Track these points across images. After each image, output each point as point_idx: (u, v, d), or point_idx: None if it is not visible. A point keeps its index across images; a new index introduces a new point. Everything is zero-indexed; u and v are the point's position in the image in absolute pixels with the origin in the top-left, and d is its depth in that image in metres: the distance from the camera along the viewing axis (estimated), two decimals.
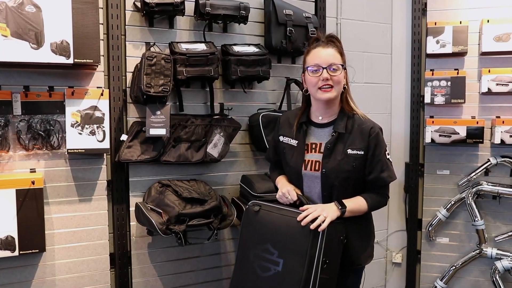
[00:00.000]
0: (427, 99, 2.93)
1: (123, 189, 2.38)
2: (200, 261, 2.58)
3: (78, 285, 2.32)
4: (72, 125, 2.18)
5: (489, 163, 2.88)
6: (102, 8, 2.25)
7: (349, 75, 1.87)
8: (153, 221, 2.13)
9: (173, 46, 2.34)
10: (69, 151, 2.17)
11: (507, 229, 2.90)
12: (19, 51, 1.97)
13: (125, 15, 2.34)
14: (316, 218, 1.64)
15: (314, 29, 2.64)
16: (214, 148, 2.45)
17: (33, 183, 2.09)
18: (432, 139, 2.89)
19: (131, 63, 2.34)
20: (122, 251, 2.39)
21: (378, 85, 3.14)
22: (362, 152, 1.76)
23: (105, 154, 2.33)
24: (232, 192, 2.63)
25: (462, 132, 2.84)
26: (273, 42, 2.59)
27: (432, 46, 2.91)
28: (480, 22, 2.87)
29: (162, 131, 2.27)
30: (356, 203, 1.77)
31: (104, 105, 2.24)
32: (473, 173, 2.91)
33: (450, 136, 2.86)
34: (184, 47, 2.33)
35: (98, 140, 2.22)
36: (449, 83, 2.88)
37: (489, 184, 2.85)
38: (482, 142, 2.84)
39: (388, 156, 1.82)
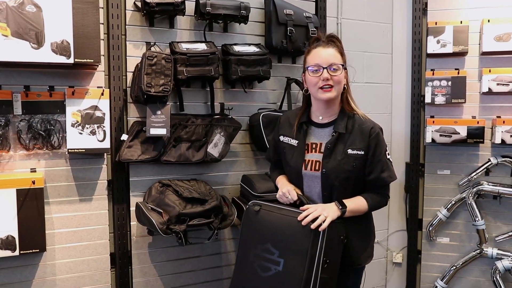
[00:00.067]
0: (427, 99, 2.93)
1: (123, 189, 2.38)
2: (200, 261, 2.58)
3: (79, 284, 2.32)
4: (73, 125, 2.18)
5: (489, 163, 2.88)
6: (102, 7, 2.26)
7: (350, 75, 1.87)
8: (153, 221, 2.13)
9: (173, 46, 2.34)
10: (69, 150, 2.17)
11: (508, 229, 2.90)
12: (20, 51, 1.97)
13: (125, 14, 2.34)
14: (316, 218, 1.63)
15: (314, 29, 2.64)
16: (214, 148, 2.45)
17: (33, 182, 2.09)
18: (432, 139, 2.89)
19: (132, 63, 2.34)
20: (122, 250, 2.39)
21: (378, 85, 3.14)
22: (362, 152, 1.76)
23: (105, 154, 2.33)
24: (233, 192, 2.63)
25: (462, 132, 2.84)
26: (273, 42, 2.59)
27: (432, 46, 2.90)
28: (480, 22, 2.86)
29: (162, 131, 2.27)
30: (356, 203, 1.77)
31: (104, 105, 2.24)
32: (474, 173, 2.91)
33: (451, 136, 2.86)
34: (184, 47, 2.33)
35: (98, 140, 2.23)
36: (449, 83, 2.88)
37: (489, 184, 2.85)
38: (482, 142, 2.84)
39: (388, 156, 1.82)
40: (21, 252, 2.09)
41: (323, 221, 1.63)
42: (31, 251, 2.11)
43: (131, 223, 2.40)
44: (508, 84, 2.78)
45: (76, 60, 2.07)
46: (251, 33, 2.65)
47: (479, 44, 2.88)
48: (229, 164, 2.62)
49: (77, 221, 2.29)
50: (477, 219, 2.85)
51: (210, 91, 2.50)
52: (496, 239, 2.90)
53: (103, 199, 2.34)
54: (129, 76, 2.35)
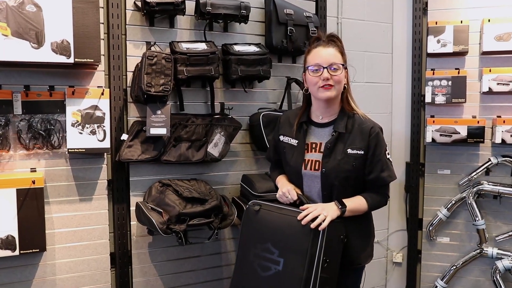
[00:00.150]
0: (428, 99, 2.93)
1: (123, 189, 2.38)
2: (200, 261, 2.58)
3: (79, 284, 2.32)
4: (73, 125, 2.18)
5: (490, 162, 2.88)
6: (102, 7, 2.26)
7: (350, 74, 1.87)
8: (153, 221, 2.13)
9: (173, 45, 2.34)
10: (69, 150, 2.17)
11: (508, 229, 2.89)
12: (20, 51, 1.97)
13: (125, 14, 2.34)
14: (316, 217, 1.63)
15: (314, 29, 2.64)
16: (214, 147, 2.45)
17: (33, 182, 2.09)
18: (433, 139, 2.89)
19: (132, 63, 2.34)
20: (122, 250, 2.39)
21: (378, 84, 3.14)
22: (362, 152, 1.76)
23: (105, 154, 2.33)
24: (233, 191, 2.63)
25: (463, 131, 2.84)
26: (273, 42, 2.59)
27: (433, 45, 2.90)
28: (481, 21, 2.86)
29: (162, 131, 2.27)
30: (356, 203, 1.77)
31: (104, 105, 2.24)
32: (474, 173, 2.91)
33: (451, 136, 2.86)
34: (184, 46, 2.33)
35: (98, 140, 2.23)
36: (450, 82, 2.88)
37: (490, 183, 2.85)
38: (483, 142, 2.83)
39: (388, 156, 1.82)
40: (21, 252, 2.09)
41: (323, 221, 1.62)
42: (31, 250, 2.11)
43: (131, 222, 2.40)
44: (509, 84, 2.78)
45: (76, 59, 2.07)
46: (251, 33, 2.65)
47: (480, 43, 2.88)
48: (229, 164, 2.62)
49: (77, 221, 2.30)
50: (477, 218, 2.85)
51: (210, 90, 2.50)
52: (496, 239, 2.90)
53: (103, 198, 2.34)
54: (129, 75, 2.35)
